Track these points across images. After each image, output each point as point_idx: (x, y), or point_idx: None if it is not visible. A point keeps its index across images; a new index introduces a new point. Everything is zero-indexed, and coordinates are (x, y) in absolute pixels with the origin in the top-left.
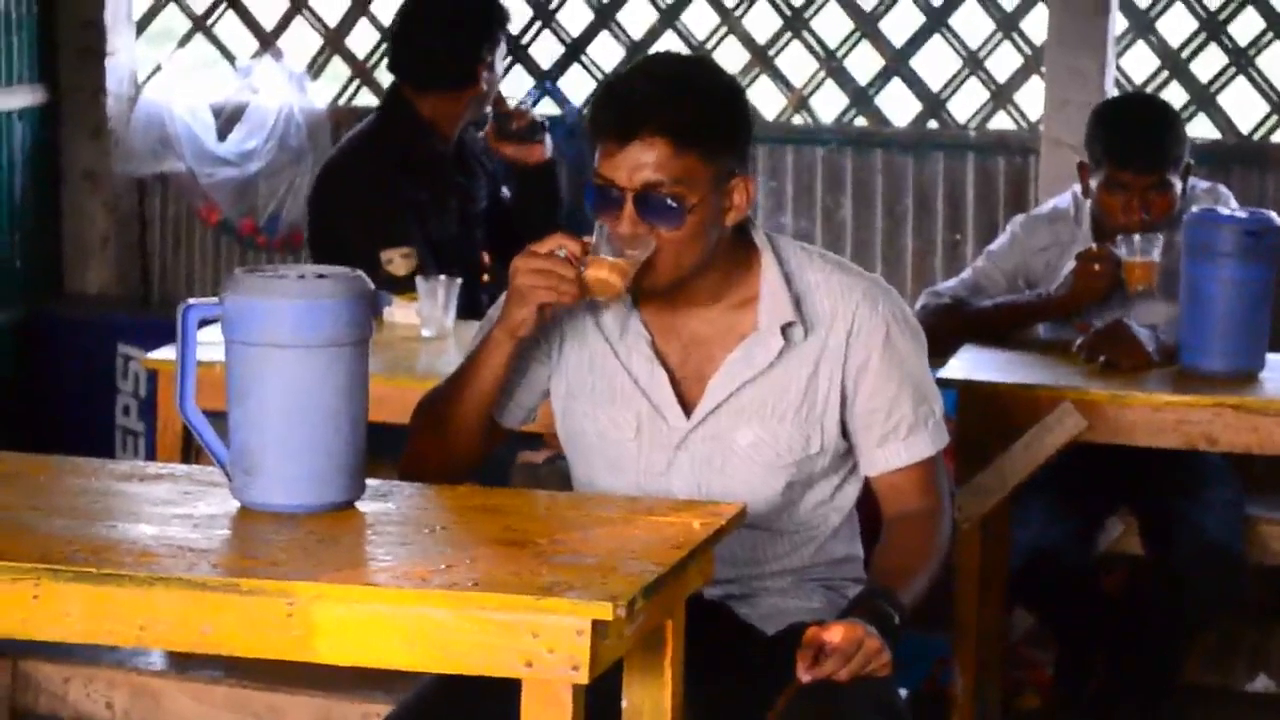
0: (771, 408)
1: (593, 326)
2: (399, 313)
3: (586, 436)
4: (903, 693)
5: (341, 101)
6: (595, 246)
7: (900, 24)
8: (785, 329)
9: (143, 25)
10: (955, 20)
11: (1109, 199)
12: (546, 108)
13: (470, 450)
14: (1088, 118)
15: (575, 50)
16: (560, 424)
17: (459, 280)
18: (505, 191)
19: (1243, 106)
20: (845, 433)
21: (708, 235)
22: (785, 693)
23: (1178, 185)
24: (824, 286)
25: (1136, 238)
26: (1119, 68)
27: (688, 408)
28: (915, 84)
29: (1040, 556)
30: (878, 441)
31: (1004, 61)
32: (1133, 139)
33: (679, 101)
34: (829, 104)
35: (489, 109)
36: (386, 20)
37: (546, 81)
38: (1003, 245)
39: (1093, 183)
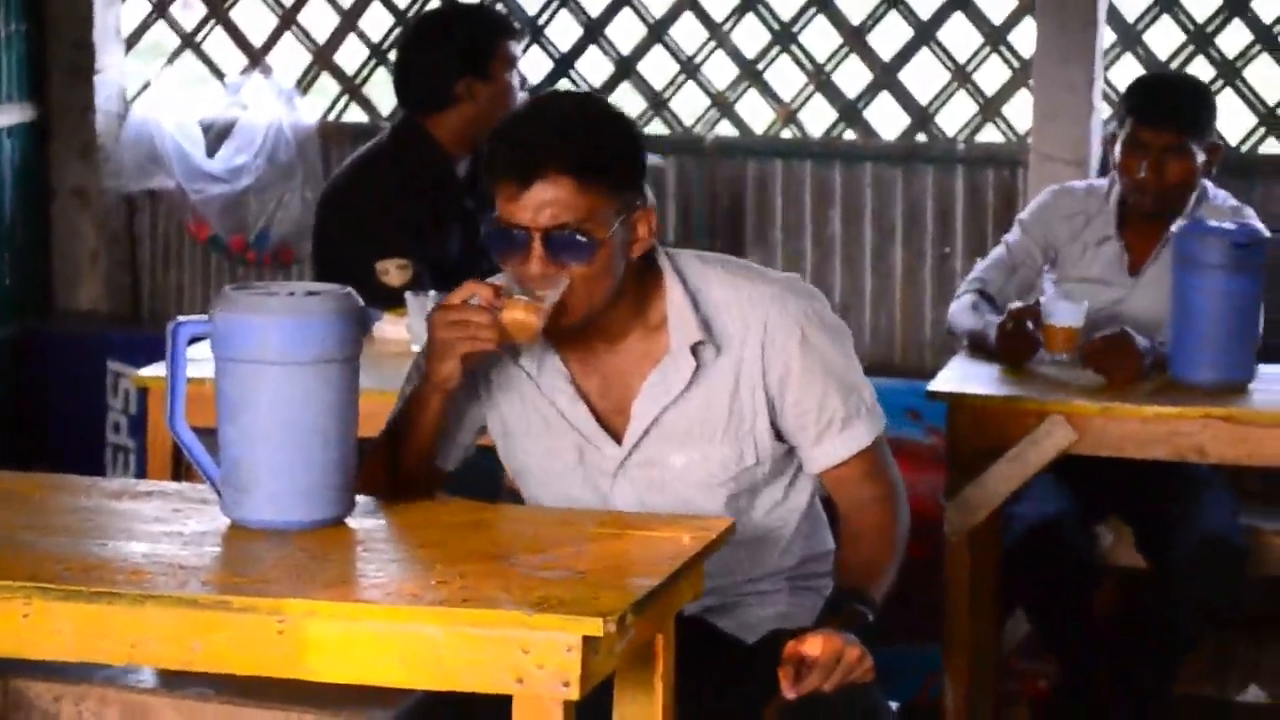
0: (699, 429)
1: (514, 366)
2: (389, 328)
3: (531, 470)
4: (894, 706)
5: (331, 117)
6: (508, 290)
7: (888, 38)
8: (695, 349)
9: (131, 42)
10: (943, 34)
11: (1128, 159)
12: None
13: (417, 494)
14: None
15: (565, 65)
16: (504, 459)
17: None
18: None
19: (1231, 119)
20: (781, 437)
21: (616, 269)
22: (771, 706)
23: (1199, 157)
24: (732, 303)
25: (1063, 302)
26: (1107, 80)
27: (617, 436)
28: (904, 97)
29: (1039, 528)
30: (814, 440)
31: (992, 74)
32: (1154, 96)
33: (578, 139)
34: (817, 118)
35: None
36: (375, 36)
37: None
38: (1033, 212)
39: (1117, 150)
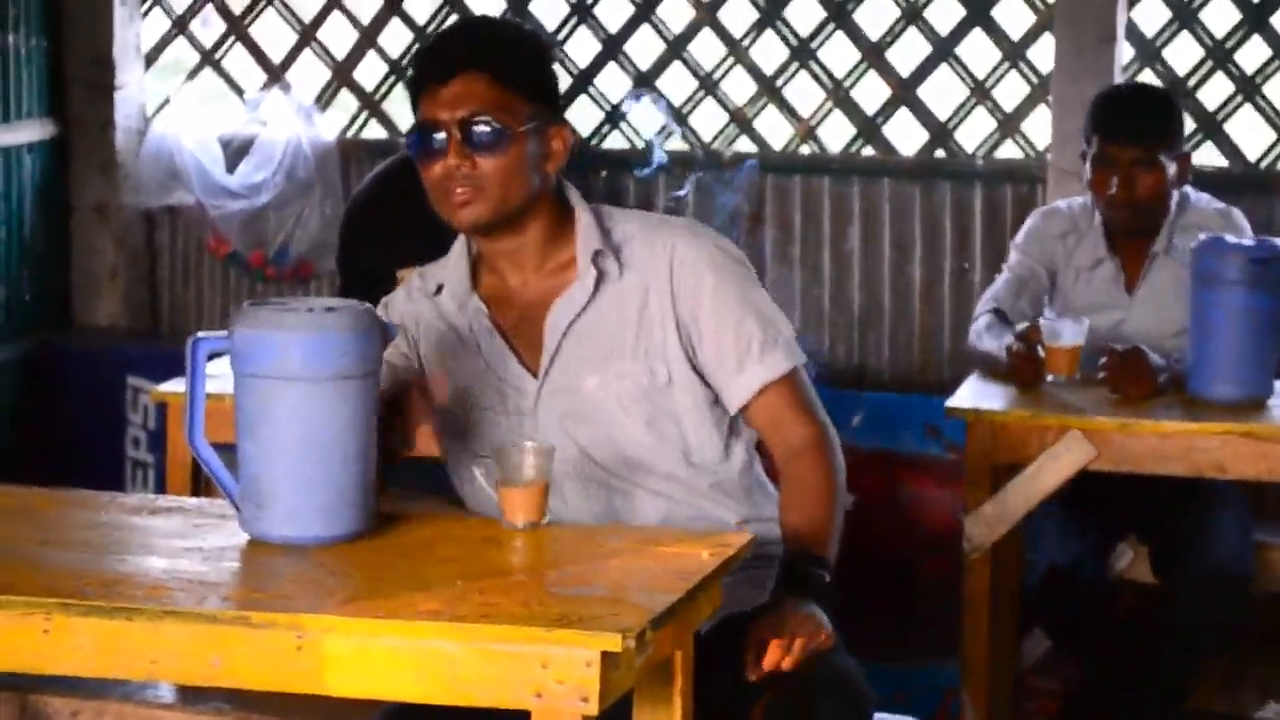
0: (608, 348)
1: (437, 319)
2: None
3: (461, 431)
4: None
5: (350, 133)
6: (504, 465)
7: (907, 54)
8: (596, 259)
9: (151, 59)
10: (962, 50)
11: (1098, 175)
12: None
13: None
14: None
15: (583, 81)
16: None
17: None
18: None
19: (1250, 134)
20: (705, 380)
21: (530, 173)
22: (758, 708)
23: (1170, 168)
24: (640, 234)
25: (1066, 322)
26: None
27: (535, 373)
28: (922, 113)
29: (1057, 573)
30: (735, 368)
31: (1011, 91)
32: (1118, 111)
33: (499, 44)
34: (836, 134)
35: None
36: (394, 53)
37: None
38: (1027, 236)
39: (1088, 169)
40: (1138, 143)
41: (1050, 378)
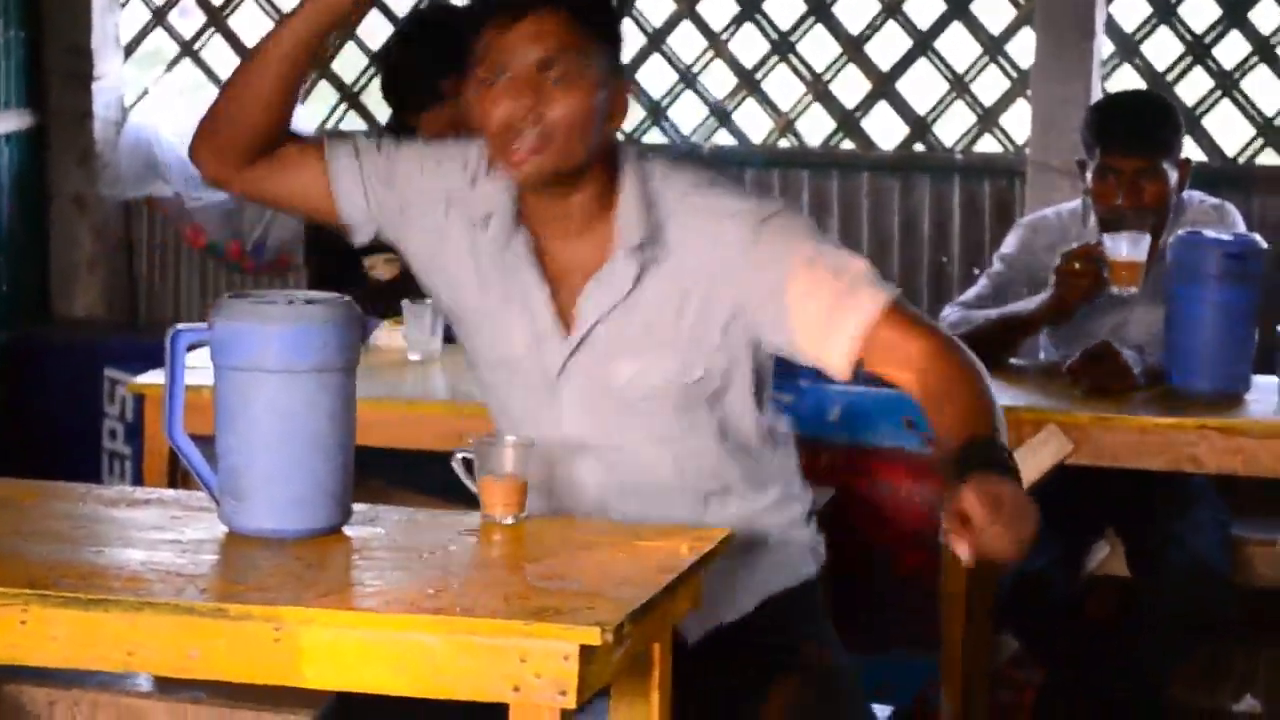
0: (646, 336)
1: (481, 228)
2: (385, 337)
3: (478, 342)
4: (888, 710)
5: (329, 125)
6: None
7: (887, 47)
8: (637, 253)
9: (130, 49)
10: (942, 44)
11: (1100, 186)
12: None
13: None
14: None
15: None
16: (448, 308)
17: None
18: None
19: (1228, 129)
20: (792, 355)
21: (595, 125)
22: (768, 709)
23: (1172, 175)
24: (683, 209)
25: (1124, 236)
26: (1105, 91)
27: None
28: (902, 107)
29: (1026, 582)
30: (827, 329)
31: (990, 85)
32: (1121, 122)
33: None
34: (815, 127)
35: None
36: (373, 44)
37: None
38: (1013, 246)
39: (1088, 176)
40: (1141, 153)
41: (1115, 290)
